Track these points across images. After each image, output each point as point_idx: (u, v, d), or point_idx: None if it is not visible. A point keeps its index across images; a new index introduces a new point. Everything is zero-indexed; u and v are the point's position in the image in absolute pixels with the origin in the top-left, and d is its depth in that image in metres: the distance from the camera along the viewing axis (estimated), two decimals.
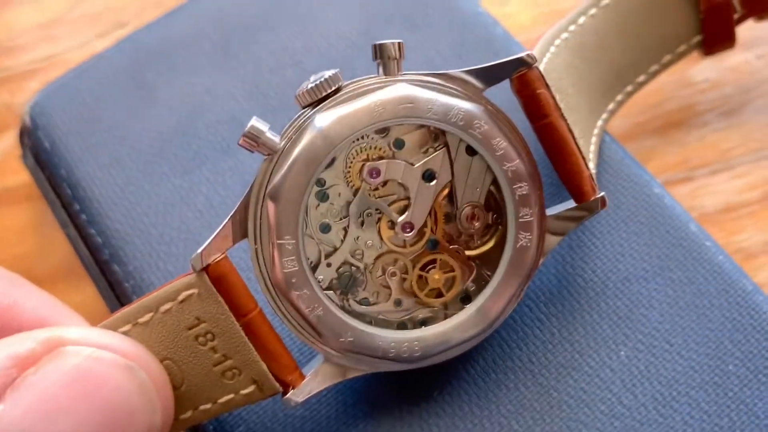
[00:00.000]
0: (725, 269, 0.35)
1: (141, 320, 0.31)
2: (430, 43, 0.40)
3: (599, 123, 0.37)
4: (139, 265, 0.37)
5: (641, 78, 0.38)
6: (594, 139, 0.36)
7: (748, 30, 0.44)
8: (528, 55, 0.32)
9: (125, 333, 0.31)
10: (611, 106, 0.38)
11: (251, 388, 0.31)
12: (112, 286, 0.38)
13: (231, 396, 0.31)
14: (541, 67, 0.32)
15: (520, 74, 0.32)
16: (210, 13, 0.43)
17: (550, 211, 0.33)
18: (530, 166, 0.32)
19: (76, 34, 0.49)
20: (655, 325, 0.34)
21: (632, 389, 0.33)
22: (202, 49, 0.42)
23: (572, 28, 0.36)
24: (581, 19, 0.36)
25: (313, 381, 0.32)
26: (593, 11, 0.37)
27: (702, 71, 0.44)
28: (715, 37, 0.39)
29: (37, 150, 0.41)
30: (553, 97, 0.32)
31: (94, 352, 0.28)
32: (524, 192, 0.32)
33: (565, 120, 0.32)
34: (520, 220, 0.32)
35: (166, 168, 0.39)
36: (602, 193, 0.32)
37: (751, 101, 0.44)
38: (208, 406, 0.31)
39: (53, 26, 0.50)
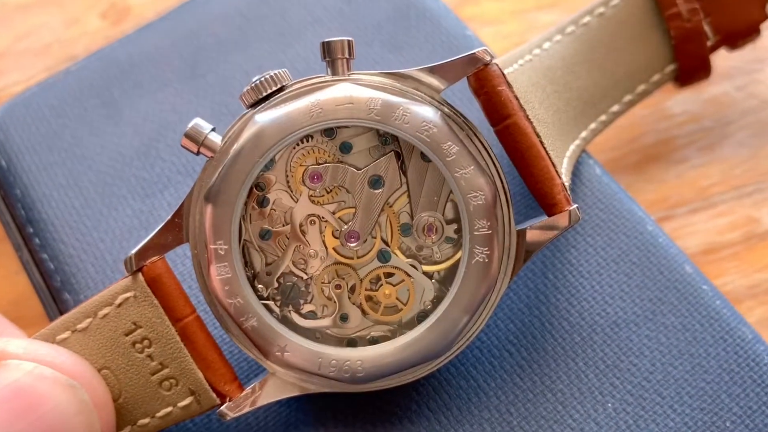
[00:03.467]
0: (723, 315, 0.30)
1: (80, 326, 0.29)
2: (414, 66, 0.37)
3: (571, 147, 0.33)
4: (91, 294, 0.32)
5: (615, 108, 0.35)
6: (566, 162, 0.31)
7: (726, 60, 0.40)
8: (484, 50, 0.28)
9: (64, 340, 0.29)
10: (584, 133, 0.34)
11: (189, 400, 0.28)
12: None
13: (169, 409, 0.28)
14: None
15: (477, 71, 0.28)
16: (182, 30, 0.38)
17: (520, 226, 0.28)
18: (491, 174, 0.28)
19: (23, 68, 0.45)
20: (645, 375, 0.30)
21: None
22: (171, 65, 0.37)
23: (536, 51, 0.32)
24: (546, 44, 0.33)
25: (252, 396, 0.28)
26: (558, 37, 0.33)
27: (680, 103, 0.41)
28: (689, 65, 0.36)
29: None
30: (516, 98, 0.28)
31: (36, 368, 0.26)
32: (480, 202, 0.27)
33: (531, 122, 0.28)
34: (476, 232, 0.27)
35: (125, 191, 0.34)
36: (575, 206, 0.28)
37: (732, 134, 0.40)
38: (146, 420, 0.28)
39: None
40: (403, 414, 0.30)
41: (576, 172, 0.33)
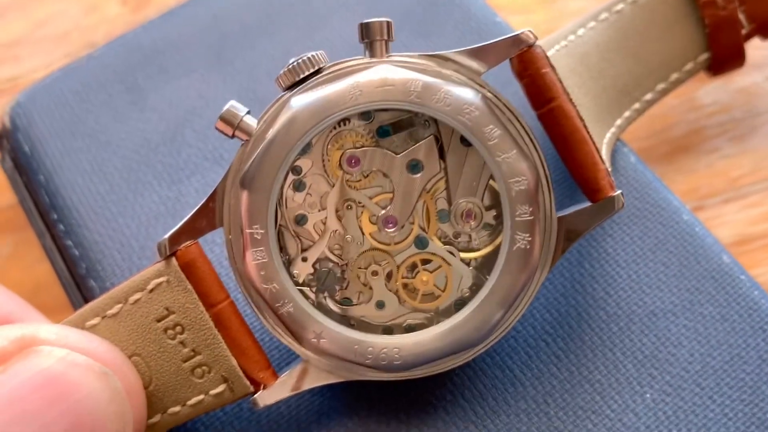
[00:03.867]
0: (761, 306, 0.30)
1: (110, 312, 0.28)
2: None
3: (608, 134, 0.32)
4: (117, 281, 0.32)
5: (648, 96, 0.35)
6: (604, 148, 0.31)
7: (757, 50, 0.40)
8: (528, 31, 0.27)
9: (94, 326, 0.28)
10: (619, 121, 0.34)
11: (221, 388, 0.27)
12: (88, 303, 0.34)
13: (201, 397, 0.28)
14: None
15: (520, 53, 0.27)
16: (207, 16, 0.38)
17: (561, 213, 0.28)
18: (533, 159, 0.27)
19: (42, 55, 0.45)
20: (684, 365, 0.29)
21: None
22: (197, 52, 0.37)
23: (571, 37, 0.32)
24: (580, 31, 0.32)
25: (285, 384, 0.27)
26: (592, 24, 0.32)
27: (710, 94, 0.40)
28: (723, 54, 0.35)
29: (16, 154, 0.36)
30: (560, 81, 0.27)
31: (69, 355, 0.25)
32: (522, 187, 0.27)
33: (575, 106, 0.27)
34: (517, 218, 0.27)
35: (151, 177, 0.34)
36: (619, 191, 0.27)
37: (762, 125, 0.39)
38: (177, 409, 0.28)
39: (17, 46, 0.45)
40: (438, 403, 0.29)
41: (612, 162, 0.33)
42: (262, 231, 0.27)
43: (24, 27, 0.46)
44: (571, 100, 0.27)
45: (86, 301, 0.34)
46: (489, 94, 0.27)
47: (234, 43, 0.37)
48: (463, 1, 0.37)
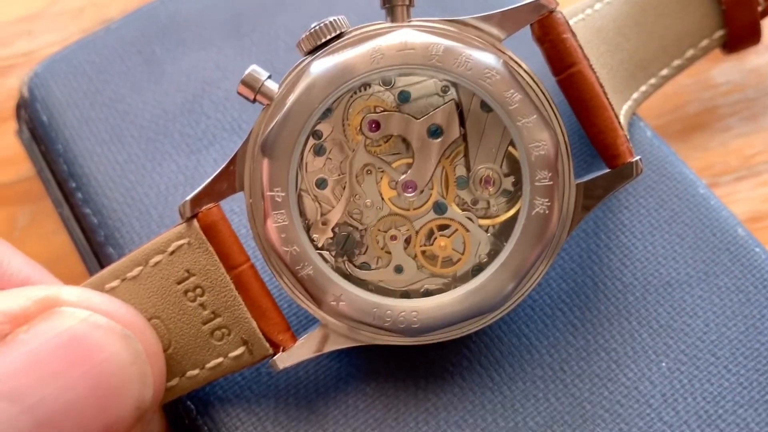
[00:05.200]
0: None
1: (130, 275, 0.28)
2: None
3: (624, 107, 0.32)
4: (135, 248, 0.33)
5: (664, 72, 0.35)
6: (621, 120, 0.31)
7: None
8: None
9: (113, 289, 0.28)
10: (635, 95, 0.34)
11: (241, 350, 0.28)
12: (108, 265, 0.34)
13: (219, 360, 0.28)
14: None
15: (541, 18, 0.28)
16: None
17: (579, 180, 0.28)
18: (553, 124, 0.27)
19: (57, 30, 0.45)
20: (699, 335, 0.29)
21: (674, 404, 0.28)
22: (215, 24, 0.36)
23: (588, 11, 0.32)
24: (597, 5, 0.32)
25: (304, 346, 0.28)
26: None
27: (723, 73, 0.40)
28: (739, 31, 0.35)
29: (34, 124, 0.36)
30: (580, 46, 0.27)
31: (91, 317, 0.25)
32: (542, 152, 0.27)
33: (595, 73, 0.27)
34: (537, 183, 0.27)
35: (170, 147, 0.34)
36: (638, 157, 0.27)
37: None
38: (196, 372, 0.28)
39: (32, 21, 0.45)
40: (455, 370, 0.30)
41: (628, 135, 0.33)
42: (282, 194, 0.27)
43: (39, 2, 0.46)
44: (591, 66, 0.28)
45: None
46: (510, 60, 0.27)
47: (252, 16, 0.37)
48: None
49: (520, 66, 0.27)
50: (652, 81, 0.35)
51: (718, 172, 0.38)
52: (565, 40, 0.27)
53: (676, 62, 0.35)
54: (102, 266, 0.34)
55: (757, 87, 0.40)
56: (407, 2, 0.27)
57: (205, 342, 0.28)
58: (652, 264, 0.31)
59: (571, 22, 0.31)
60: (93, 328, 0.26)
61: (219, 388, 0.30)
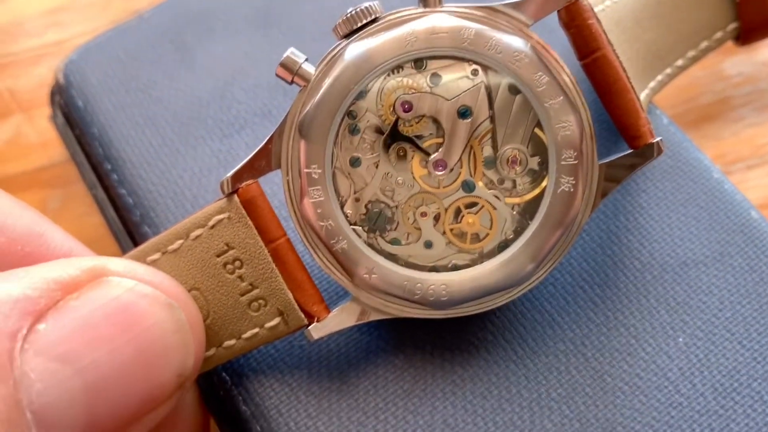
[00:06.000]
0: None
1: (171, 248, 0.29)
2: None
3: (642, 95, 0.34)
4: (171, 227, 0.34)
5: (680, 62, 0.36)
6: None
7: None
8: None
9: (154, 261, 0.30)
10: (652, 83, 0.34)
11: (276, 321, 0.29)
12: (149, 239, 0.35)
13: (256, 330, 0.29)
14: None
15: (568, 5, 0.29)
16: None
17: (602, 161, 0.29)
18: (578, 106, 0.28)
19: (86, 20, 0.46)
20: (714, 312, 0.31)
21: (690, 378, 0.30)
22: (243, 13, 0.38)
23: (608, 2, 0.33)
24: None
25: (337, 318, 0.29)
26: None
27: (735, 65, 0.42)
28: (752, 23, 0.36)
29: (69, 108, 0.37)
30: (605, 32, 0.29)
31: (137, 286, 0.27)
32: (568, 132, 0.28)
33: (618, 57, 0.29)
34: (563, 162, 0.28)
35: (203, 132, 0.35)
36: (659, 138, 0.29)
37: None
38: (232, 342, 0.29)
39: (62, 12, 0.46)
40: (480, 344, 0.31)
41: None
42: (319, 171, 0.28)
43: None
44: (614, 51, 0.29)
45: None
46: (537, 44, 0.28)
47: (279, 5, 0.39)
48: None
49: (546, 50, 0.28)
50: (668, 71, 0.36)
51: (730, 160, 0.39)
52: (590, 26, 0.29)
53: (691, 53, 0.37)
54: (136, 245, 0.35)
55: None
56: None
57: (242, 313, 0.29)
58: (669, 244, 0.32)
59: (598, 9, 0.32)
60: (139, 297, 0.27)
61: (253, 360, 0.31)
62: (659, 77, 0.36)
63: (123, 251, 0.37)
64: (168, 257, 0.29)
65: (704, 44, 0.37)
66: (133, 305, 0.27)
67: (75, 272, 0.27)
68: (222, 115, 0.36)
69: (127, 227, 0.36)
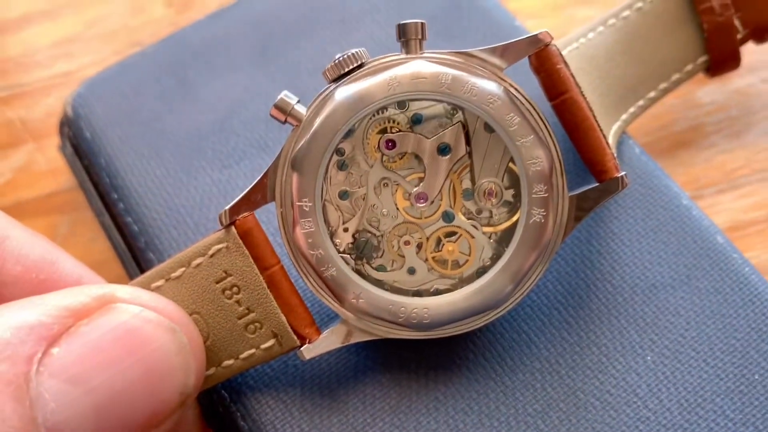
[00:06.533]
0: (751, 281, 0.33)
1: (174, 275, 0.32)
2: None
3: (614, 127, 0.36)
4: (174, 254, 0.36)
5: (652, 94, 0.38)
6: (611, 139, 0.34)
7: (752, 54, 0.43)
8: (546, 32, 0.31)
9: (158, 287, 0.32)
10: (624, 116, 0.37)
11: (271, 342, 0.31)
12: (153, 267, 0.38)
13: (252, 351, 0.31)
14: None
15: (538, 51, 0.31)
16: (251, 17, 0.41)
17: (572, 193, 0.31)
18: (548, 143, 0.31)
19: (93, 52, 0.48)
20: (681, 332, 0.33)
21: (658, 394, 0.32)
22: (242, 50, 0.40)
23: (582, 40, 0.35)
24: (590, 34, 0.36)
25: (327, 339, 0.31)
26: (600, 29, 0.36)
27: (708, 94, 0.44)
28: (720, 56, 0.39)
29: (78, 140, 0.40)
30: (572, 75, 0.31)
31: (142, 312, 0.29)
32: (538, 167, 0.30)
33: (585, 98, 0.31)
34: (534, 195, 0.30)
35: (204, 162, 0.38)
36: (624, 173, 0.31)
37: (756, 123, 0.43)
38: (231, 362, 0.31)
39: (70, 44, 0.49)
40: (462, 363, 0.33)
41: (618, 152, 0.36)
42: (310, 204, 0.31)
43: (76, 26, 0.50)
44: (581, 92, 0.31)
45: (143, 272, 0.38)
46: (510, 87, 0.31)
47: (276, 43, 0.41)
48: (484, 6, 0.41)
49: (519, 92, 0.31)
50: (641, 102, 0.38)
51: (702, 185, 0.42)
52: (559, 71, 0.31)
53: (663, 85, 0.39)
54: (142, 270, 0.38)
55: (740, 107, 0.44)
56: (420, 36, 0.31)
57: (239, 335, 0.31)
58: (639, 268, 0.34)
59: (565, 51, 0.34)
60: (145, 322, 0.29)
61: (250, 379, 0.33)
62: (632, 109, 0.38)
63: (129, 275, 0.39)
64: (171, 284, 0.32)
65: (675, 76, 0.39)
66: (138, 330, 0.29)
67: (86, 299, 0.29)
68: (221, 147, 0.39)
69: (133, 253, 0.38)
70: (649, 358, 0.33)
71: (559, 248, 0.32)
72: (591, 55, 0.36)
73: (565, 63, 0.31)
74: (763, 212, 0.41)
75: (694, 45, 0.39)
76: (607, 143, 0.31)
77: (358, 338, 0.31)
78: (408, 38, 0.31)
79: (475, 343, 0.33)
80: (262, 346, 0.31)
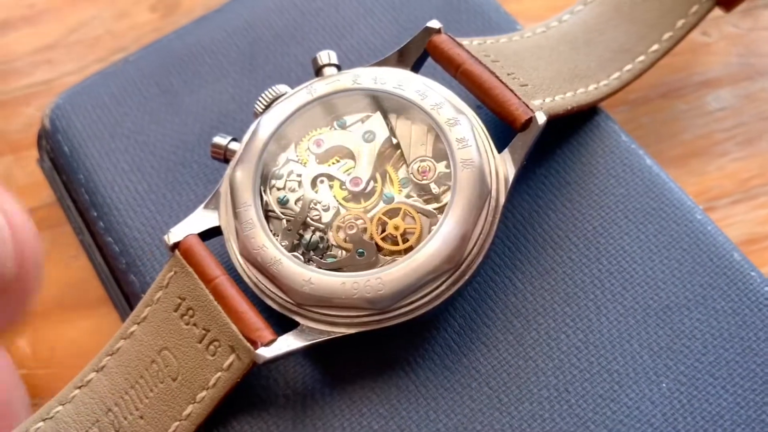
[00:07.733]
0: None
1: (142, 316, 0.31)
2: None
3: (602, 83, 0.35)
4: (156, 275, 0.34)
5: (655, 47, 0.36)
6: (569, 93, 0.34)
7: (764, 58, 0.42)
8: (433, 22, 0.34)
9: (132, 333, 0.31)
10: (617, 74, 0.36)
11: (231, 358, 0.30)
12: (128, 298, 0.35)
13: (218, 375, 0.30)
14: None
15: (431, 40, 0.33)
16: (238, 22, 0.40)
17: (502, 152, 0.32)
18: (463, 109, 0.32)
19: (75, 59, 0.47)
20: (697, 356, 0.31)
21: (674, 423, 0.30)
22: (229, 56, 0.38)
23: (554, 23, 0.36)
24: (565, 16, 0.37)
25: (284, 341, 0.30)
26: (579, 8, 0.36)
27: (719, 99, 0.42)
28: None
29: (56, 154, 0.37)
30: (468, 52, 0.33)
31: None
32: (458, 126, 0.31)
33: (484, 65, 0.32)
34: (459, 150, 0.31)
35: (188, 177, 0.36)
36: (536, 112, 0.31)
37: None
38: (203, 393, 0.30)
39: (51, 50, 0.47)
40: (464, 391, 0.31)
41: (627, 164, 0.34)
42: (249, 204, 0.31)
43: (58, 32, 0.48)
44: (480, 62, 0.33)
45: (124, 294, 0.36)
46: (412, 72, 0.33)
47: (265, 49, 0.39)
48: (483, 9, 0.39)
49: (420, 76, 0.33)
50: (641, 58, 0.36)
51: (714, 195, 0.40)
52: (450, 50, 0.33)
53: (668, 35, 0.37)
54: (123, 291, 0.36)
55: (752, 112, 0.42)
56: (333, 64, 0.34)
57: (203, 360, 0.30)
58: (652, 288, 0.32)
59: (530, 33, 0.35)
60: None
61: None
62: (628, 66, 0.36)
63: (109, 295, 0.37)
64: (142, 326, 0.31)
65: (681, 22, 0.37)
66: None
67: None
68: (208, 160, 0.36)
69: (114, 274, 0.36)
70: (664, 385, 0.31)
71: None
72: (563, 33, 0.37)
73: (459, 45, 0.33)
74: None
75: None
76: (515, 94, 0.32)
77: (316, 337, 0.30)
78: (319, 68, 0.34)
79: (479, 371, 0.31)
80: (224, 365, 0.30)
